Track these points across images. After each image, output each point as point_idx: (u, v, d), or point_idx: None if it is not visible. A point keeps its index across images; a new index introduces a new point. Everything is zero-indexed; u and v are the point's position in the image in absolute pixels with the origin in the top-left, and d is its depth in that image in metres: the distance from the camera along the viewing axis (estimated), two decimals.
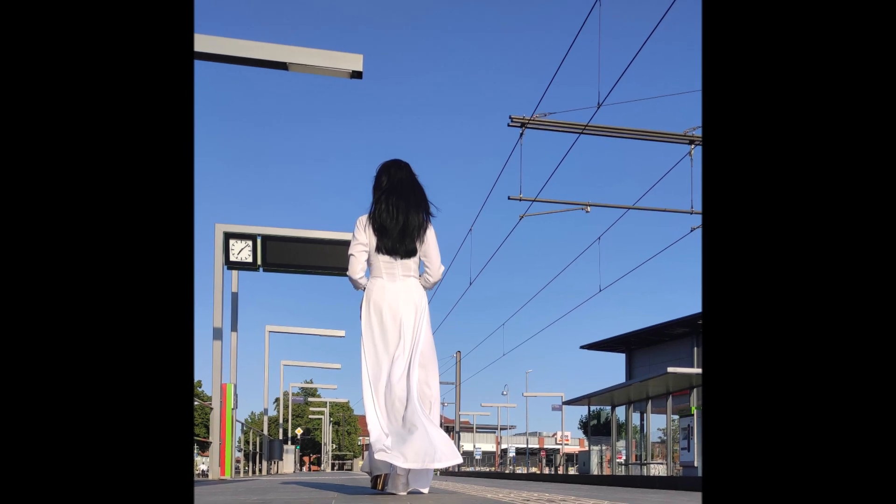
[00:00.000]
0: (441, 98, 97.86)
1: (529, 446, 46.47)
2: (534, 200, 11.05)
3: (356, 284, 3.17)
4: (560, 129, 10.72)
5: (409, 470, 2.91)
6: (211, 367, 9.39)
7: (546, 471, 40.23)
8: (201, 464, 25.44)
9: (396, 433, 2.86)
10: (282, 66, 5.26)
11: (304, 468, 51.69)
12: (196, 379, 38.66)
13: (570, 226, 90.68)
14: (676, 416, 17.94)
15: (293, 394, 34.00)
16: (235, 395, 9.95)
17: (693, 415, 15.68)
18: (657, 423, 30.77)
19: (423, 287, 3.16)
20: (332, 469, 46.01)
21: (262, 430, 17.49)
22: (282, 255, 9.23)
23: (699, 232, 9.99)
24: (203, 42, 5.01)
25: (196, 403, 12.61)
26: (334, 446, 57.56)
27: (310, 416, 50.47)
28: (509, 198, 11.06)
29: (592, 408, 27.48)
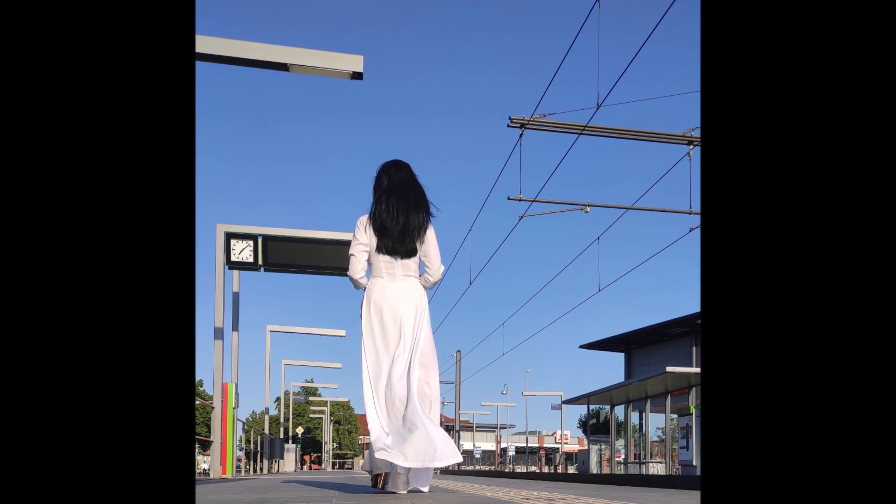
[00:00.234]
0: (441, 98, 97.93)
1: (529, 445, 46.44)
2: (533, 200, 11.06)
3: (357, 284, 3.19)
4: (559, 129, 10.72)
5: (410, 469, 2.92)
6: (212, 366, 9.41)
7: (545, 469, 40.17)
8: (202, 462, 25.37)
9: (397, 432, 2.87)
10: (283, 66, 5.28)
11: (305, 467, 51.63)
12: (197, 378, 38.51)
13: (570, 226, 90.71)
14: (675, 416, 17.95)
15: (294, 393, 34.00)
16: (236, 394, 9.96)
17: (692, 414, 15.70)
18: (656, 422, 30.71)
19: (424, 287, 3.18)
20: (333, 468, 45.95)
21: (263, 429, 17.50)
22: (283, 255, 9.25)
23: (698, 232, 9.99)
24: (204, 43, 5.03)
25: (197, 402, 12.60)
26: (335, 445, 57.47)
27: (310, 416, 50.40)
28: (509, 198, 11.06)
29: (591, 407, 27.43)
